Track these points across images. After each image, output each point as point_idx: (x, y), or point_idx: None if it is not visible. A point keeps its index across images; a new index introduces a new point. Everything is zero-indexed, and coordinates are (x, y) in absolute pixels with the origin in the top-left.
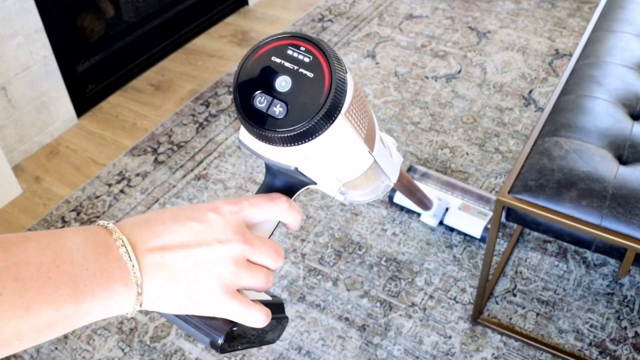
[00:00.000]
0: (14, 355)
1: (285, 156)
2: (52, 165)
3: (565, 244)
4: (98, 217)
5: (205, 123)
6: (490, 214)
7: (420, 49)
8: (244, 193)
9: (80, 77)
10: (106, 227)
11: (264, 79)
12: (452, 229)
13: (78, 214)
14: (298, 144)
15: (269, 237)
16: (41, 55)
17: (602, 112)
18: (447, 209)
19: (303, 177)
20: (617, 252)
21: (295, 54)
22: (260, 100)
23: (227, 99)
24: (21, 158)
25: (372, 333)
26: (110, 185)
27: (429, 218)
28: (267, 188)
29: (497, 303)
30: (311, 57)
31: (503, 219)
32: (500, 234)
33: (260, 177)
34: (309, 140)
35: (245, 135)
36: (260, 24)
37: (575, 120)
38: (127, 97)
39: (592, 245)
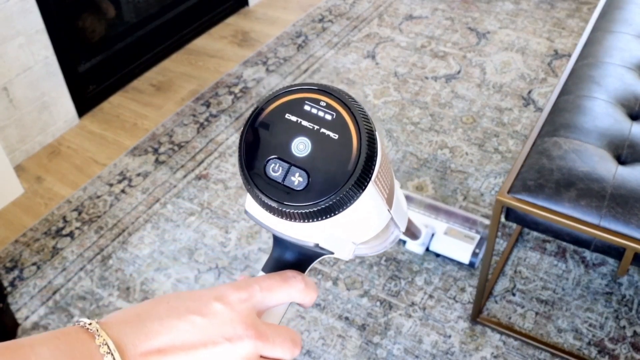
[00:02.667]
0: None
1: (304, 232)
2: (53, 165)
3: (564, 243)
4: (99, 217)
5: (205, 123)
6: (477, 237)
7: (420, 49)
8: (245, 193)
9: (81, 77)
10: (87, 328)
11: (278, 141)
12: (438, 255)
13: (79, 213)
14: (322, 219)
15: (281, 321)
16: (42, 56)
17: (601, 113)
18: (432, 235)
19: (320, 249)
20: (616, 252)
21: (314, 111)
22: (275, 168)
23: (228, 99)
24: (23, 158)
25: (372, 332)
26: (111, 185)
27: (415, 246)
28: (276, 263)
29: (496, 302)
30: (334, 113)
31: (502, 219)
32: (499, 233)
33: None
34: (335, 215)
35: (252, 205)
36: (260, 24)
37: (574, 120)
38: (128, 98)
39: (591, 244)
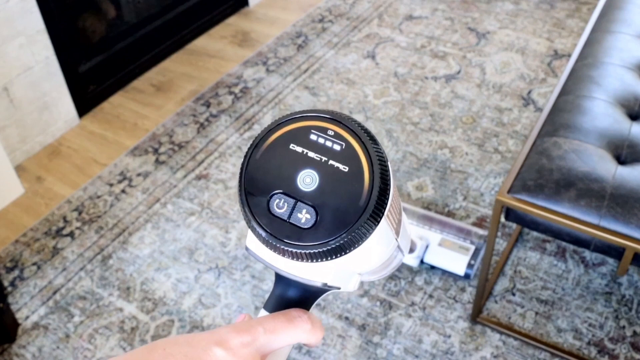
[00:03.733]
0: (16, 354)
1: (311, 271)
2: (53, 165)
3: (564, 243)
4: (99, 217)
5: (206, 123)
6: (472, 247)
7: (420, 49)
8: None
9: (81, 77)
10: None
11: (282, 174)
12: (433, 267)
13: (80, 213)
14: (331, 259)
15: None
16: (43, 56)
17: (601, 113)
18: (427, 246)
19: (326, 286)
20: (616, 252)
21: (322, 140)
22: (279, 204)
23: (228, 100)
24: (23, 158)
25: (372, 332)
26: (111, 185)
27: (409, 259)
28: (279, 301)
29: (496, 302)
30: (343, 143)
31: (502, 219)
32: (499, 233)
33: None
34: (346, 254)
35: (254, 242)
36: (260, 24)
37: (574, 120)
38: (128, 98)
39: (591, 244)
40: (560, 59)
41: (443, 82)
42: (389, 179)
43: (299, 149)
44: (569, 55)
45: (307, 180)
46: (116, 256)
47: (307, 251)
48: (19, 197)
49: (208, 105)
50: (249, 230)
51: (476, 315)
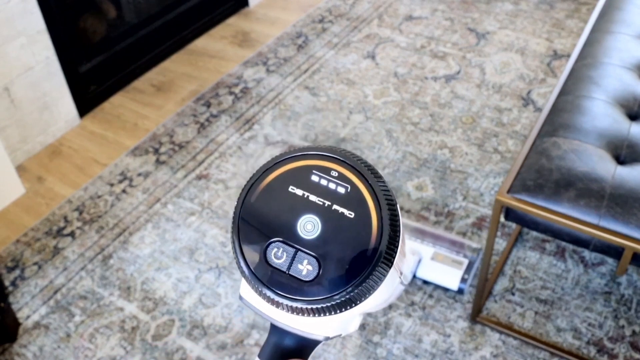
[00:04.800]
0: (17, 354)
1: (311, 325)
2: (54, 165)
3: (563, 243)
4: (100, 216)
5: (206, 123)
6: (466, 261)
7: (420, 49)
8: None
9: (82, 77)
10: None
11: (280, 220)
12: (426, 282)
13: (80, 213)
14: (335, 314)
15: None
16: (44, 56)
17: (600, 113)
18: (419, 260)
19: (328, 339)
20: (615, 252)
21: (324, 182)
22: (278, 254)
23: (228, 100)
24: (24, 158)
25: (371, 332)
26: (112, 185)
27: None
28: (275, 350)
29: (496, 302)
30: (348, 186)
31: (502, 219)
32: (499, 233)
33: None
34: (352, 307)
35: (249, 291)
36: (260, 24)
37: (573, 120)
38: (128, 98)
39: (590, 244)
40: (559, 59)
41: (443, 82)
42: (399, 225)
43: (299, 192)
44: (569, 56)
45: (309, 227)
46: (117, 256)
47: (309, 306)
48: (20, 197)
49: (208, 105)
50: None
51: (476, 315)
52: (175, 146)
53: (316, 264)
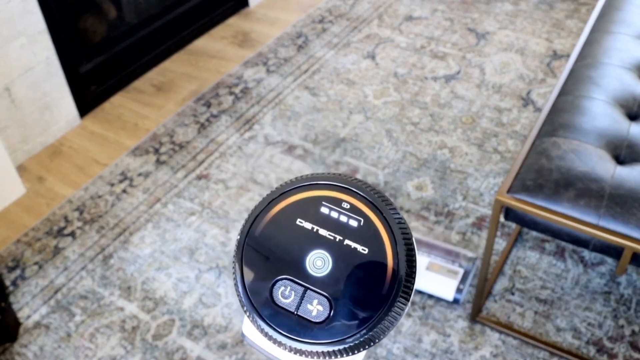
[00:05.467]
0: (18, 353)
1: None
2: (55, 165)
3: (563, 243)
4: (100, 216)
5: (206, 123)
6: (461, 271)
7: (420, 50)
8: (245, 193)
9: (82, 77)
10: None
11: (288, 256)
12: (421, 292)
13: (81, 213)
14: (347, 356)
15: None
16: (44, 56)
17: (600, 113)
18: None
19: None
20: (615, 251)
21: (335, 215)
22: (285, 293)
23: (228, 100)
24: (24, 158)
25: None
26: (112, 185)
27: None
28: None
29: (495, 302)
30: (361, 219)
31: (502, 219)
32: (499, 233)
33: (262, 177)
34: (365, 349)
35: (252, 330)
36: (260, 25)
37: (573, 120)
38: (129, 98)
39: (590, 244)
40: (559, 60)
41: (443, 82)
42: (415, 260)
43: (307, 225)
44: (568, 56)
45: (318, 263)
46: (117, 256)
47: (319, 349)
48: (21, 197)
49: (208, 105)
50: (245, 317)
51: (476, 315)
52: (175, 146)
53: (327, 304)
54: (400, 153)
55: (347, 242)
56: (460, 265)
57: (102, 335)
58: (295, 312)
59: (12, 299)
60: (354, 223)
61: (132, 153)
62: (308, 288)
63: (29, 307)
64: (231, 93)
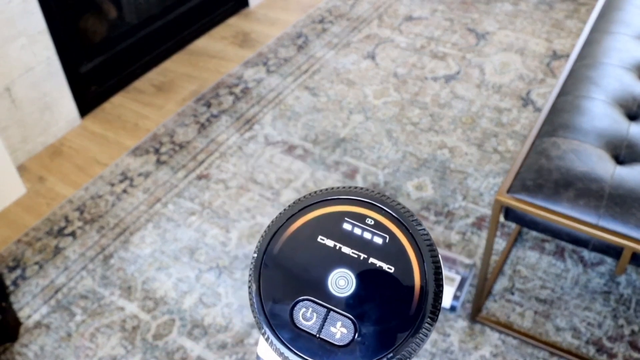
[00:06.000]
0: (18, 353)
1: None
2: (55, 165)
3: (562, 243)
4: (101, 216)
5: (206, 123)
6: (458, 278)
7: (420, 50)
8: (245, 193)
9: (83, 78)
10: None
11: (309, 276)
12: None
13: (81, 213)
14: None
15: None
16: (44, 57)
17: (600, 113)
18: None
19: None
20: (614, 251)
21: (359, 231)
22: (306, 315)
23: (229, 100)
24: (25, 158)
25: None
26: (113, 185)
27: None
28: None
29: (495, 301)
30: (386, 236)
31: (502, 219)
32: (498, 233)
33: (262, 177)
34: None
35: (269, 354)
36: (261, 25)
37: (572, 120)
38: (129, 98)
39: (590, 244)
40: (559, 60)
41: (442, 82)
42: (442, 278)
43: (329, 243)
44: (568, 56)
45: (341, 283)
46: (117, 256)
47: None
48: (21, 196)
49: (209, 105)
50: (260, 338)
51: (475, 315)
52: (175, 146)
53: (351, 326)
54: (400, 153)
55: (371, 260)
56: (457, 272)
57: (102, 335)
58: (318, 335)
59: (12, 298)
60: (378, 240)
61: (132, 153)
62: (331, 309)
63: (29, 306)
64: (231, 93)
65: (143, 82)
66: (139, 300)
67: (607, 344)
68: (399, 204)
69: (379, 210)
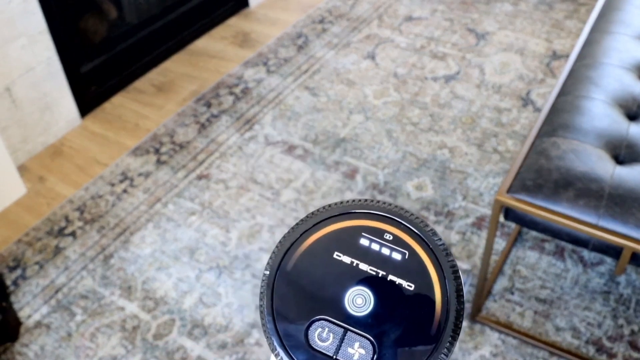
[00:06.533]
0: (19, 353)
1: None
2: (55, 165)
3: (562, 242)
4: (101, 216)
5: (206, 123)
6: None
7: (420, 50)
8: (245, 193)
9: (83, 78)
10: None
11: (324, 294)
12: None
13: (81, 213)
14: None
15: None
16: (45, 57)
17: (599, 113)
18: None
19: None
20: (614, 251)
21: (376, 247)
22: (322, 335)
23: (229, 100)
24: (25, 158)
25: None
26: (113, 185)
27: None
28: None
29: (495, 301)
30: (406, 252)
31: (502, 219)
32: (498, 233)
33: (262, 177)
34: None
35: None
36: (261, 25)
37: (572, 120)
38: (129, 98)
39: (589, 244)
40: (559, 60)
41: (442, 82)
42: (464, 295)
43: (346, 259)
44: (568, 56)
45: (359, 301)
46: (118, 255)
47: None
48: (21, 196)
49: (209, 105)
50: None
51: (475, 314)
52: (175, 146)
53: (370, 347)
54: (400, 153)
55: (390, 277)
56: None
57: (102, 334)
58: (335, 357)
59: (13, 298)
60: (397, 256)
61: (132, 153)
62: (348, 329)
63: (29, 306)
64: (231, 93)
65: (143, 82)
66: (139, 300)
67: (607, 343)
68: (417, 217)
69: (398, 225)
